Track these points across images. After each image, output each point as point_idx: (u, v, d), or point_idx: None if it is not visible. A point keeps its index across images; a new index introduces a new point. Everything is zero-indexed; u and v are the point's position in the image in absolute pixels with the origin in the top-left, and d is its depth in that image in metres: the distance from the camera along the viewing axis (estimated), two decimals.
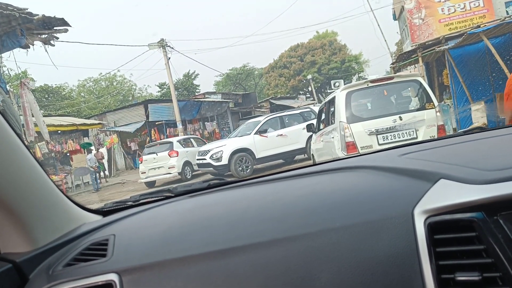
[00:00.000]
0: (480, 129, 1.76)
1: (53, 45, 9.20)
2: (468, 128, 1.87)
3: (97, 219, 1.46)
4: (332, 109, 7.03)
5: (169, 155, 15.53)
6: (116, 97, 40.60)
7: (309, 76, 41.27)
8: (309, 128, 9.12)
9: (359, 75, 49.33)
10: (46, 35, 9.01)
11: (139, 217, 1.39)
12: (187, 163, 15.77)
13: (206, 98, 30.84)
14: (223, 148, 13.23)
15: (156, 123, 24.45)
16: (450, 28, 16.80)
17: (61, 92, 37.20)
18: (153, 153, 15.92)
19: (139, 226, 1.31)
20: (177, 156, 15.55)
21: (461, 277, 0.80)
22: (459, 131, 6.99)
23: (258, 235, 1.01)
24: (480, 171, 0.94)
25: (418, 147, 1.56)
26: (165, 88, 39.30)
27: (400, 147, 1.66)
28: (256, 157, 13.38)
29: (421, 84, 6.64)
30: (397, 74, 8.45)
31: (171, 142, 16.40)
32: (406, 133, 6.28)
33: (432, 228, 0.86)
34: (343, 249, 0.91)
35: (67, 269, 1.06)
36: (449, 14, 17.81)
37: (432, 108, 6.36)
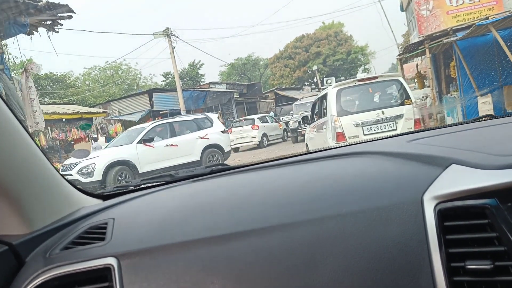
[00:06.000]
0: (491, 117, 1.74)
1: (57, 32, 9.14)
2: (478, 116, 1.80)
3: (97, 203, 1.45)
4: (324, 103, 7.89)
5: (252, 128, 19.95)
6: (121, 86, 40.56)
7: (315, 67, 40.99)
8: (304, 119, 9.90)
9: (365, 66, 49.03)
10: (50, 22, 8.92)
11: (140, 201, 1.38)
12: (264, 135, 20.45)
13: (211, 88, 30.72)
14: (95, 160, 10.56)
15: (161, 112, 24.39)
16: (458, 20, 16.51)
17: (66, 80, 37.18)
18: (240, 126, 20.45)
19: (139, 210, 1.29)
20: (258, 129, 19.94)
21: (472, 265, 0.78)
22: (470, 118, 7.08)
23: (261, 221, 1.00)
24: (493, 156, 0.92)
25: (428, 133, 1.53)
26: (170, 77, 39.13)
27: (409, 133, 1.62)
28: (140, 172, 11.00)
29: (401, 84, 7.61)
30: (381, 74, 9.07)
31: (253, 119, 20.93)
32: (387, 125, 7.20)
33: (442, 215, 0.84)
34: (349, 235, 0.89)
35: (64, 253, 1.04)
36: (457, 5, 17.50)
37: (410, 104, 7.30)
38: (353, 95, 7.79)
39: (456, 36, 10.95)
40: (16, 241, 1.06)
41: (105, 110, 24.24)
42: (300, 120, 13.78)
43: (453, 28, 11.83)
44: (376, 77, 7.92)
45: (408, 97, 7.38)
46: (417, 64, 17.12)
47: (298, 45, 47.19)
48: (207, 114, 14.27)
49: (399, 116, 7.18)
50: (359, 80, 7.76)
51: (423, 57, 15.88)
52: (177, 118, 13.33)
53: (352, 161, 1.31)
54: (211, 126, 12.96)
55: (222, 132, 13.24)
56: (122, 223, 1.17)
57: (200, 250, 0.96)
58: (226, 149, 13.07)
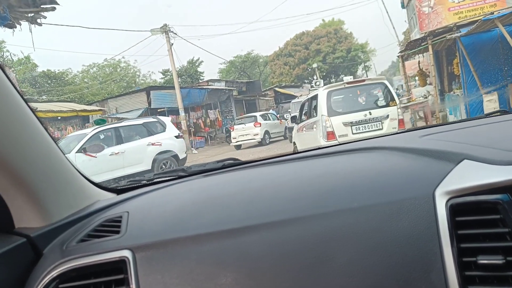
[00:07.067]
0: (503, 112, 1.72)
1: (40, 25, 8.70)
2: (490, 112, 1.84)
3: (111, 197, 1.47)
4: (314, 104, 8.51)
5: (254, 125, 19.79)
6: (119, 84, 40.33)
7: (314, 65, 40.80)
8: (293, 119, 10.47)
9: (365, 64, 48.80)
10: (32, 14, 8.48)
11: (153, 195, 1.40)
12: (266, 132, 20.28)
13: (210, 85, 30.45)
14: None
15: (158, 110, 24.09)
16: (459, 16, 16.40)
17: (65, 78, 36.99)
18: (242, 123, 20.31)
19: (152, 204, 1.31)
20: (260, 126, 19.83)
21: (483, 260, 0.78)
22: (481, 114, 7.12)
23: (273, 214, 1.00)
24: (505, 152, 0.92)
25: (440, 128, 1.52)
26: (168, 75, 38.80)
27: (421, 128, 1.62)
28: None
29: (386, 86, 8.23)
30: (367, 77, 9.78)
31: (255, 116, 20.87)
32: (374, 125, 7.80)
33: (454, 210, 0.84)
34: (361, 230, 0.90)
35: (80, 245, 1.07)
36: (459, 2, 17.44)
37: (394, 105, 7.96)
38: (342, 97, 8.36)
39: (460, 32, 10.69)
40: (33, 234, 1.09)
41: (102, 108, 23.96)
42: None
43: (457, 24, 11.58)
44: (363, 80, 8.71)
45: (392, 99, 8.04)
46: (419, 61, 16.84)
47: (298, 42, 47.05)
48: (159, 117, 12.85)
49: (385, 117, 7.82)
50: (347, 83, 8.42)
51: (424, 54, 15.62)
52: (124, 123, 11.72)
53: (364, 156, 1.31)
54: (164, 130, 11.73)
55: (176, 137, 12.06)
56: (136, 216, 1.19)
57: (212, 243, 0.97)
58: (181, 155, 11.85)
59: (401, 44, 23.20)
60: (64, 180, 1.27)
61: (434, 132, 1.41)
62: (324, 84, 9.79)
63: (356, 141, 1.67)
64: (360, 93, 8.36)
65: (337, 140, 7.46)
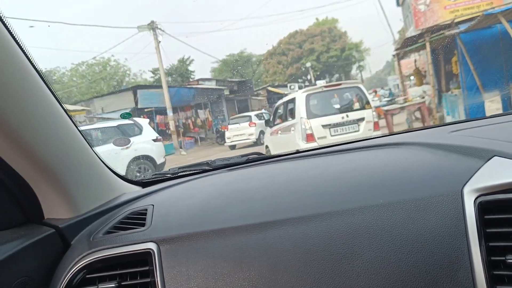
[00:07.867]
0: None
1: None
2: None
3: (137, 190, 1.50)
4: (290, 107, 8.79)
5: (249, 125, 19.57)
6: (109, 83, 39.71)
7: (308, 64, 40.43)
8: (267, 123, 10.41)
9: (360, 63, 48.45)
10: None
11: (178, 189, 1.41)
12: (261, 132, 19.37)
13: (200, 84, 29.92)
14: None
15: (145, 110, 23.50)
16: (455, 15, 16.22)
17: (52, 77, 36.29)
18: (237, 123, 20.02)
19: (177, 197, 1.33)
20: (255, 126, 19.56)
21: None
22: (483, 115, 6.71)
23: (298, 210, 1.00)
24: None
25: (470, 124, 1.49)
26: (158, 73, 38.25)
27: (451, 124, 1.61)
28: None
29: (361, 90, 8.68)
30: (343, 81, 10.28)
31: (250, 116, 20.71)
32: (351, 127, 8.11)
33: (483, 208, 0.83)
34: (386, 227, 0.88)
35: (107, 237, 1.10)
36: (455, 0, 17.22)
37: (370, 108, 8.35)
38: (320, 100, 8.58)
39: (459, 28, 10.18)
40: (62, 225, 1.13)
41: (86, 108, 23.32)
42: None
43: (455, 20, 11.10)
44: (340, 84, 9.08)
45: (368, 102, 8.51)
46: (415, 59, 16.37)
47: (291, 41, 46.72)
48: (135, 119, 11.83)
49: (361, 119, 8.16)
50: (325, 86, 8.70)
51: (420, 52, 15.16)
52: (96, 125, 11.17)
53: (391, 152, 1.29)
54: (140, 133, 10.93)
55: (154, 140, 11.27)
56: (161, 209, 1.20)
57: (236, 237, 0.98)
58: (159, 160, 10.95)
59: (396, 43, 22.77)
60: (92, 173, 1.30)
61: (463, 128, 1.40)
62: (300, 88, 10.19)
63: (382, 136, 1.64)
64: (337, 96, 8.64)
65: (316, 142, 7.76)
